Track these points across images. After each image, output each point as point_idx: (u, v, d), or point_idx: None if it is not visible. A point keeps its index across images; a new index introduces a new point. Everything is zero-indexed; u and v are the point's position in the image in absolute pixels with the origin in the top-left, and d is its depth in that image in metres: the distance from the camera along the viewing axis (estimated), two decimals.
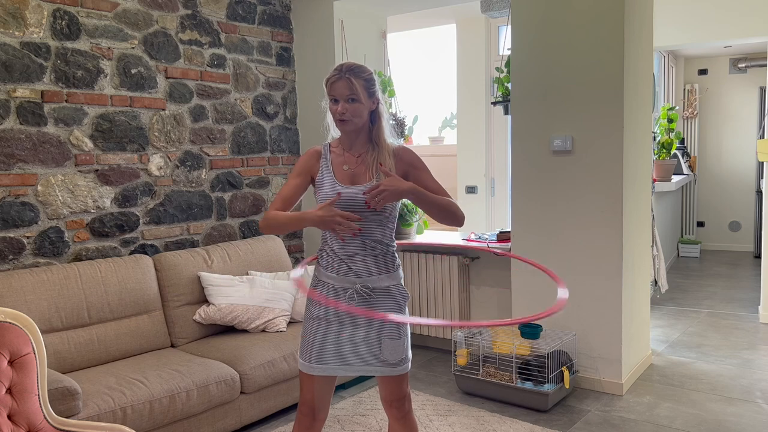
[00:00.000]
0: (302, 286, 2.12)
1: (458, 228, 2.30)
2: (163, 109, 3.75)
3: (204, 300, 3.54)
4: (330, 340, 2.10)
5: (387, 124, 2.14)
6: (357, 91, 2.01)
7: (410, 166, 2.13)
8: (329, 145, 2.17)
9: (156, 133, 3.71)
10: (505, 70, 3.91)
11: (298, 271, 2.08)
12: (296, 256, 4.64)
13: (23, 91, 3.13)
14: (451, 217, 2.07)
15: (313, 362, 2.10)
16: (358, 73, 2.03)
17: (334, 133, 2.18)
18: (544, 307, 3.67)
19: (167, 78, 3.76)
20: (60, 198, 3.29)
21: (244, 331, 3.52)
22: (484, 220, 5.85)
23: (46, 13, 3.20)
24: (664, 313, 5.20)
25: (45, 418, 2.09)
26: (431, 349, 4.39)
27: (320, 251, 2.17)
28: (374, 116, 2.10)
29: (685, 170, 7.38)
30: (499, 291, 4.06)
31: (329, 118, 2.15)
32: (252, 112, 4.28)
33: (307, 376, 2.13)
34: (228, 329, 3.56)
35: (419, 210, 4.40)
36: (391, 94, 4.64)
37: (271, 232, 2.11)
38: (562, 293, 2.03)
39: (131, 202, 3.61)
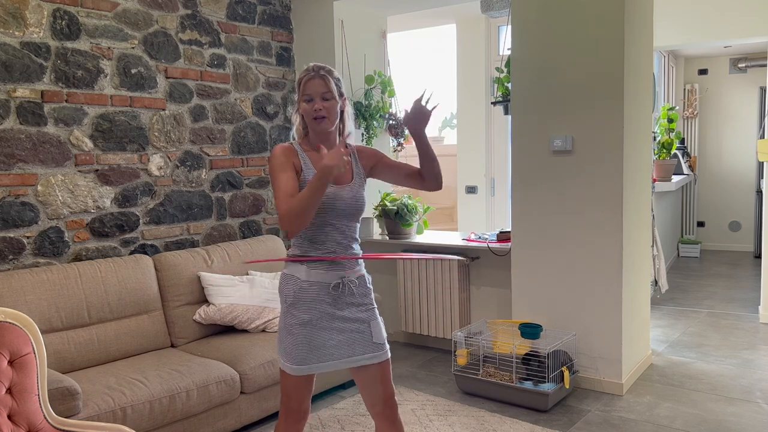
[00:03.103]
0: (259, 260, 2.10)
1: (437, 190, 2.31)
2: (163, 109, 3.75)
3: (204, 300, 3.54)
4: (324, 337, 2.10)
5: (353, 121, 2.26)
6: (331, 88, 2.10)
7: (374, 157, 2.26)
8: (299, 143, 2.18)
9: (156, 133, 3.71)
10: (505, 70, 3.91)
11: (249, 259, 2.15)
12: None
13: (23, 91, 3.13)
14: (437, 170, 2.15)
15: (309, 363, 2.09)
16: (330, 72, 2.13)
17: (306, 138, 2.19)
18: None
19: (167, 78, 3.76)
20: (60, 198, 3.29)
21: (244, 331, 3.52)
22: (484, 220, 5.85)
23: (46, 13, 3.20)
24: (664, 313, 5.20)
25: (45, 418, 2.09)
26: (431, 349, 4.39)
27: (299, 255, 2.14)
28: (342, 115, 2.19)
29: (685, 170, 7.38)
30: (499, 291, 4.06)
31: (297, 122, 2.19)
32: (252, 112, 4.28)
33: (298, 381, 2.11)
34: (228, 329, 3.56)
35: (419, 210, 4.40)
36: (391, 94, 4.65)
37: (300, 222, 1.93)
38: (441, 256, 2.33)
39: (131, 202, 3.61)
